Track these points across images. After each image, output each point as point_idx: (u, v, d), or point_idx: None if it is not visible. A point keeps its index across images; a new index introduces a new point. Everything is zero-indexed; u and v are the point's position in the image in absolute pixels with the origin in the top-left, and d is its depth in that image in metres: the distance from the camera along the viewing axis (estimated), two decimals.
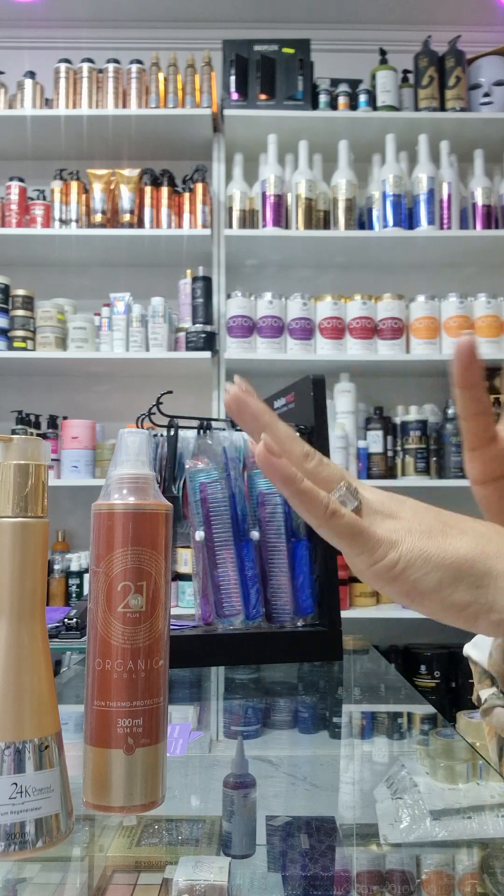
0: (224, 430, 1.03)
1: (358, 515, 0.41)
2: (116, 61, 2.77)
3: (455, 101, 2.78)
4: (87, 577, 2.36)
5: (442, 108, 2.79)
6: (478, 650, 0.49)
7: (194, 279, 2.65)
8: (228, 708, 0.91)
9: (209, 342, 2.61)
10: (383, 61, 2.85)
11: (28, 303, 2.66)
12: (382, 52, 2.87)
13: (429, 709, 0.85)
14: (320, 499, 0.40)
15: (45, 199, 2.77)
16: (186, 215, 2.72)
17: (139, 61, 2.77)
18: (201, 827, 0.52)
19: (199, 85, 2.77)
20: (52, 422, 2.72)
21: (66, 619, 1.09)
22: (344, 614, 1.04)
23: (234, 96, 2.75)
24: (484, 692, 0.40)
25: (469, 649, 0.52)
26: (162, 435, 1.01)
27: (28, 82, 2.76)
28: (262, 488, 1.00)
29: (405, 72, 2.88)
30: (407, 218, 2.72)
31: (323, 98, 2.79)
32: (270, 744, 0.74)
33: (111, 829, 0.51)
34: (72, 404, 2.84)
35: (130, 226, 2.70)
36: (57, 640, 1.04)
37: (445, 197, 2.71)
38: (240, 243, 2.73)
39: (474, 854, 0.50)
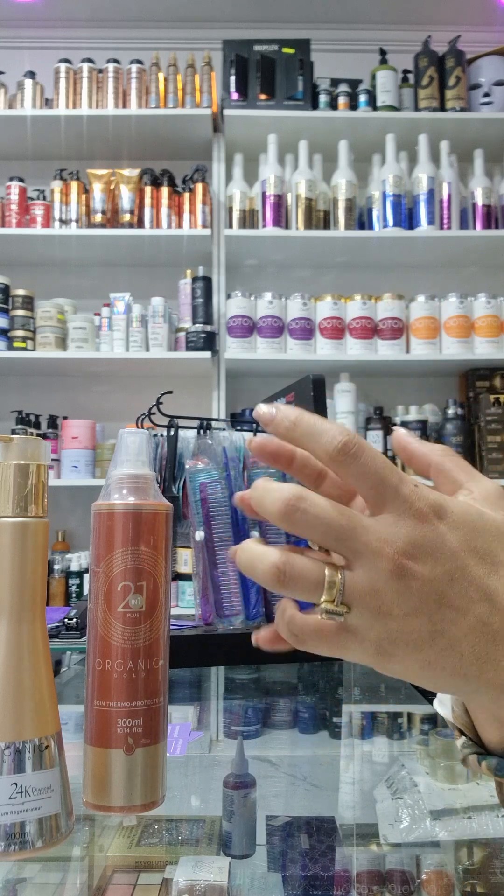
0: (224, 430, 1.03)
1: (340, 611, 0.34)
2: (116, 61, 2.77)
3: (455, 101, 2.77)
4: (87, 577, 2.36)
5: (442, 108, 2.79)
6: (443, 707, 0.49)
7: (194, 279, 2.65)
8: (228, 708, 0.91)
9: (209, 342, 2.61)
10: (383, 61, 2.85)
11: (28, 303, 2.65)
12: (382, 52, 2.86)
13: (429, 709, 0.85)
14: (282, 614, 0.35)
15: (45, 199, 2.77)
16: (186, 215, 2.72)
17: (139, 61, 2.76)
18: (201, 827, 0.52)
19: (199, 85, 2.76)
20: (52, 422, 2.72)
21: (66, 619, 1.09)
22: None
23: (234, 96, 2.74)
24: (458, 741, 0.41)
25: (437, 706, 0.52)
26: (162, 435, 1.00)
27: (28, 82, 2.76)
28: None
29: (405, 72, 2.88)
30: (407, 218, 2.72)
31: (323, 98, 2.79)
32: (270, 744, 0.74)
33: (111, 829, 0.51)
34: (72, 404, 2.84)
35: (130, 226, 2.70)
36: (57, 640, 1.04)
37: (445, 197, 2.70)
38: (240, 243, 2.73)
39: (474, 854, 0.50)
